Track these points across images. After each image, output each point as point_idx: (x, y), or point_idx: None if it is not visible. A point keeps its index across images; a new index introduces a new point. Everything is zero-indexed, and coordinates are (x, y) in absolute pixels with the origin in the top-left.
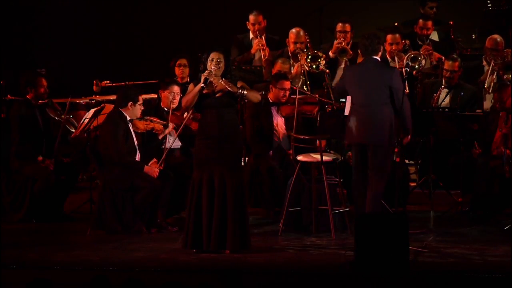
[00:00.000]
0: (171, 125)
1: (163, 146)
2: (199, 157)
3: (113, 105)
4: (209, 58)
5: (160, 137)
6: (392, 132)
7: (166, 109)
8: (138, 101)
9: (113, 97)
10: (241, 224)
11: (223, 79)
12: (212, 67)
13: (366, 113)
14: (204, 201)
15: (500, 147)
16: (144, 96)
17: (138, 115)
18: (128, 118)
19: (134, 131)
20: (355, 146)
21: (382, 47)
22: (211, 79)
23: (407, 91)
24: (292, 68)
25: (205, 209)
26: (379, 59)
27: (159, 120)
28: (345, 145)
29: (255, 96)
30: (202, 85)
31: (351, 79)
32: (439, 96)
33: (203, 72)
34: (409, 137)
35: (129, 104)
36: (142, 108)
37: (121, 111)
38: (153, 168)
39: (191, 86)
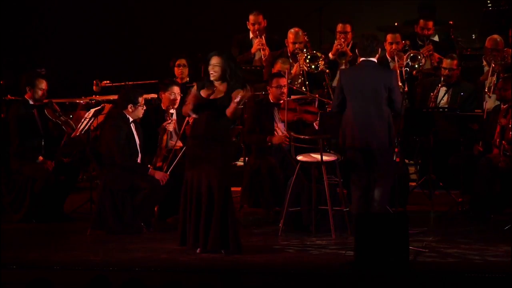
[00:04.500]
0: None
1: (163, 145)
2: (189, 156)
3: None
4: (208, 63)
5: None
6: (392, 133)
7: (166, 110)
8: (138, 103)
9: (113, 97)
10: (223, 224)
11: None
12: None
13: (368, 117)
14: (193, 200)
15: (496, 139)
16: (144, 96)
17: (140, 116)
18: (131, 120)
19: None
20: (357, 149)
21: (380, 49)
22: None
23: (406, 90)
24: (292, 68)
25: (194, 208)
26: (376, 61)
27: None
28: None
29: (249, 95)
30: None
31: (349, 82)
32: (437, 95)
33: (206, 73)
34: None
35: (129, 106)
36: (144, 108)
37: (124, 113)
38: (161, 175)
39: (193, 89)
